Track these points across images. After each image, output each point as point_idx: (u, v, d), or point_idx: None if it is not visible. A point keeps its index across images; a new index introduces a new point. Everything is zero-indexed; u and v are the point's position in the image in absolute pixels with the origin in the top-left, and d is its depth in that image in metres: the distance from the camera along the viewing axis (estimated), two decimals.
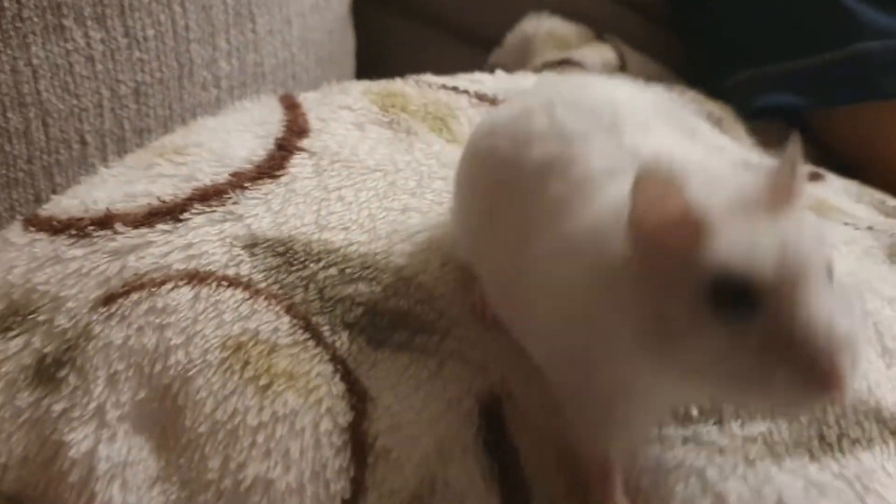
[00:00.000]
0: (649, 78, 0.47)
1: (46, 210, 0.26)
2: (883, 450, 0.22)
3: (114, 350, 0.22)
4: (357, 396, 0.22)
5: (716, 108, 0.42)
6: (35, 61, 0.30)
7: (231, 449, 0.21)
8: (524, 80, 0.37)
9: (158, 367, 0.22)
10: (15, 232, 0.25)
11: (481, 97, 0.33)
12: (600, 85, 0.23)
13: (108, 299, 0.23)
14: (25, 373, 0.22)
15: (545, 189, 0.19)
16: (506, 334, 0.22)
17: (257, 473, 0.20)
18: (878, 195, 0.38)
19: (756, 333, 0.16)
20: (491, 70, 0.41)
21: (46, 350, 0.22)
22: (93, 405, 0.21)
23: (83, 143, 0.32)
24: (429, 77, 0.34)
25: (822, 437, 0.22)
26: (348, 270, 0.24)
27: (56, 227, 0.25)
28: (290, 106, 0.31)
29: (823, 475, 0.21)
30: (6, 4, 0.30)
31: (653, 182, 0.16)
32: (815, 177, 0.36)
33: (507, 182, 0.21)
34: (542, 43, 0.47)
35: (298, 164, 0.27)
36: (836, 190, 0.35)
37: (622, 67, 0.47)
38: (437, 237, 0.25)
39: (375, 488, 0.20)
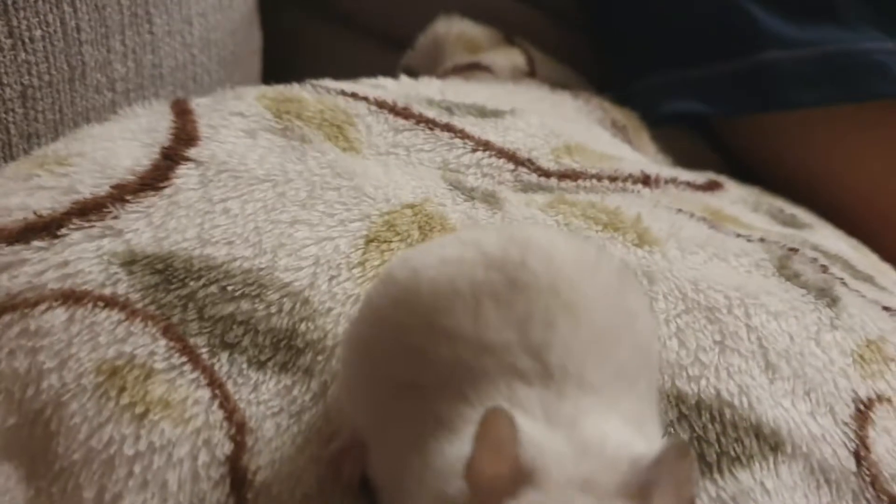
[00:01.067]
0: (557, 83, 0.47)
1: None
2: (762, 466, 0.22)
3: None
4: (236, 427, 0.21)
5: (621, 115, 0.42)
6: None
7: (106, 479, 0.20)
8: (428, 88, 0.37)
9: (30, 391, 0.21)
10: None
11: (381, 104, 0.32)
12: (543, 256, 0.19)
13: None
14: None
15: (442, 398, 0.18)
16: None
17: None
18: (777, 203, 0.38)
19: None
20: (403, 72, 0.40)
21: None
22: None
23: None
24: (328, 82, 0.34)
25: (701, 457, 0.22)
26: (230, 287, 0.24)
27: None
28: (181, 112, 0.30)
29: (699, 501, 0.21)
30: None
31: (493, 434, 0.15)
32: (713, 185, 0.36)
33: (415, 362, 0.18)
34: (453, 46, 0.47)
35: (183, 175, 0.26)
36: (733, 199, 0.36)
37: (531, 73, 0.47)
38: (327, 252, 0.25)
39: None
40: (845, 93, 0.42)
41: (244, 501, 0.20)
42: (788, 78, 0.43)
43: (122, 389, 0.21)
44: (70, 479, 0.20)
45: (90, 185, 0.25)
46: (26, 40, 0.32)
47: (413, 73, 0.42)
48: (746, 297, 0.26)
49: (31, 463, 0.21)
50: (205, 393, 0.21)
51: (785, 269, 0.29)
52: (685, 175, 0.35)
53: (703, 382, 0.24)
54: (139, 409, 0.21)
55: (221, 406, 0.21)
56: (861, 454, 0.23)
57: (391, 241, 0.26)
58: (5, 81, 0.31)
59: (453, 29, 0.48)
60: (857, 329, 0.27)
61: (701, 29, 0.46)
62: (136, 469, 0.20)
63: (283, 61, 0.48)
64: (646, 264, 0.27)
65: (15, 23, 0.31)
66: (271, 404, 0.22)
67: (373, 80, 0.36)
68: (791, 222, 0.37)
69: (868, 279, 0.32)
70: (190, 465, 0.20)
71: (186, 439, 0.21)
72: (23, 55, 0.32)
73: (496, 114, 0.34)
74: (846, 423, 0.24)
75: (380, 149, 0.30)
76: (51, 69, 0.33)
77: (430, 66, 0.48)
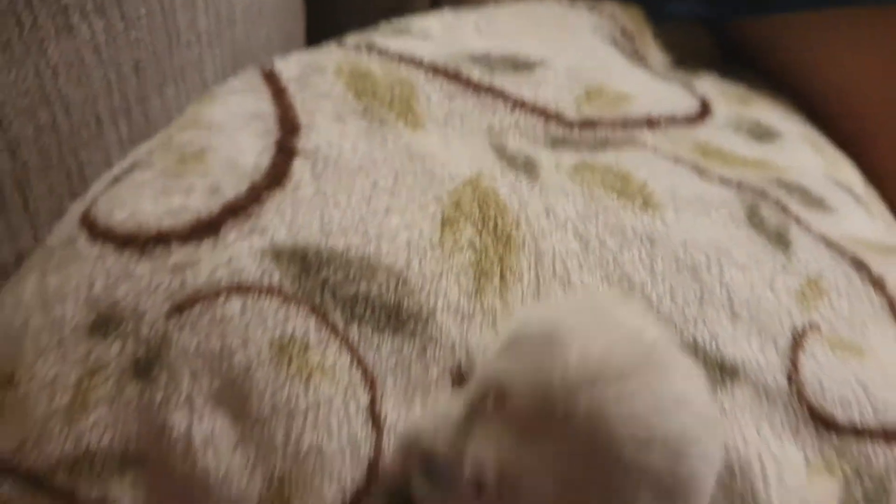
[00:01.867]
0: None
1: (101, 219, 0.33)
2: (722, 391, 0.32)
3: (190, 353, 0.30)
4: (370, 383, 0.31)
5: (630, 22, 0.49)
6: (52, 61, 0.35)
7: (289, 425, 0.30)
8: (466, 29, 0.43)
9: (225, 365, 0.30)
10: (82, 244, 0.32)
11: (435, 70, 0.39)
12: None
13: (178, 309, 0.31)
14: (127, 371, 0.30)
15: None
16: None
17: (311, 442, 0.30)
18: (755, 113, 0.46)
19: None
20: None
21: (138, 354, 0.30)
22: (183, 395, 0.30)
23: (99, 122, 0.37)
24: (381, 38, 0.40)
25: None
26: (350, 273, 0.32)
27: (117, 241, 0.32)
28: (277, 92, 0.36)
29: None
30: (23, 19, 0.34)
31: None
32: (704, 112, 0.44)
33: None
34: None
35: (298, 171, 0.34)
36: (719, 125, 0.43)
37: None
38: (415, 237, 0.33)
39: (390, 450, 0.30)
40: None
41: (381, 436, 0.30)
42: None
43: (290, 360, 0.30)
44: (264, 426, 0.30)
45: (232, 187, 0.33)
46: (134, 20, 0.38)
47: None
48: (721, 254, 0.35)
49: (236, 413, 0.30)
50: (346, 358, 0.31)
51: (754, 216, 0.37)
52: (681, 106, 0.43)
53: (686, 332, 0.33)
54: (304, 374, 0.30)
55: (358, 367, 0.31)
56: (792, 375, 0.33)
57: (459, 221, 0.34)
58: (122, 60, 0.38)
59: None
60: (801, 271, 0.36)
61: None
62: (310, 417, 0.30)
63: None
64: (649, 230, 0.35)
65: (125, 8, 0.37)
66: (389, 362, 0.31)
67: (419, 24, 0.42)
68: (766, 136, 0.44)
69: (819, 203, 0.41)
70: (344, 412, 0.30)
71: (339, 394, 0.30)
72: (133, 34, 0.38)
73: (528, 66, 0.41)
74: (785, 353, 0.34)
75: (438, 120, 0.37)
76: (154, 41, 0.39)
77: None
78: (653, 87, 0.44)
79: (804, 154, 0.45)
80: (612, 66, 0.44)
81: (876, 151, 0.49)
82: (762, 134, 0.44)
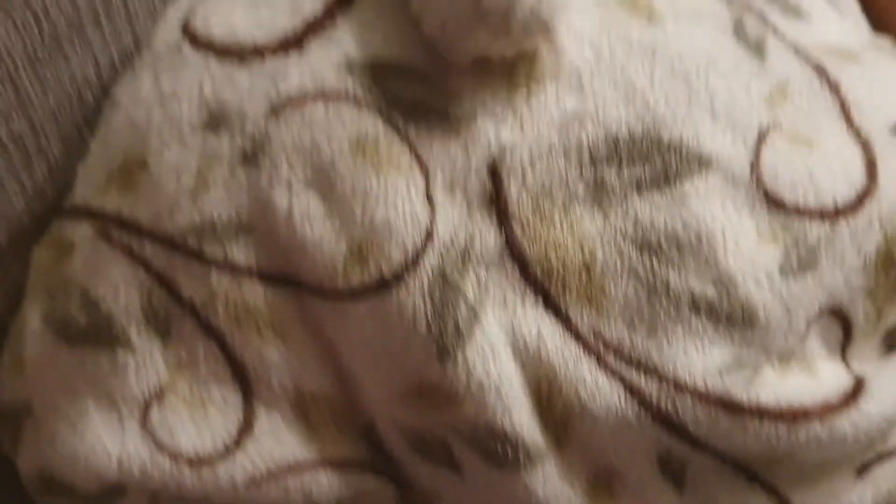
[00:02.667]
0: None
1: (201, 30, 0.39)
2: (698, 177, 0.40)
3: (286, 147, 0.38)
4: (424, 171, 0.39)
5: None
6: None
7: (365, 203, 0.38)
8: None
9: (315, 156, 0.38)
10: (187, 51, 0.39)
11: None
12: None
13: (274, 111, 0.38)
14: (237, 160, 0.39)
15: None
16: None
17: (382, 215, 0.38)
18: None
19: None
20: None
21: (245, 147, 0.38)
22: (283, 179, 0.38)
23: None
24: None
25: (666, 176, 0.40)
26: (409, 81, 0.39)
27: (218, 50, 0.39)
28: None
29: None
30: None
31: None
32: None
33: None
34: None
35: None
36: None
37: None
38: None
39: None
40: None
41: (434, 211, 0.39)
42: None
43: (364, 153, 0.38)
44: (346, 204, 0.38)
45: (310, 4, 0.39)
46: None
47: None
48: (709, 63, 0.42)
49: (328, 192, 0.37)
50: (406, 152, 0.39)
51: (739, 28, 0.44)
52: None
53: (674, 130, 0.40)
54: (375, 164, 0.38)
55: (415, 159, 0.39)
56: (753, 164, 0.42)
57: None
58: None
59: None
60: (773, 76, 0.43)
61: None
62: (380, 197, 0.37)
63: None
64: (651, 41, 0.42)
65: None
66: (439, 155, 0.39)
67: None
68: None
69: (796, 12, 0.47)
70: (406, 193, 0.38)
71: (402, 179, 0.38)
72: None
73: None
74: (751, 147, 0.42)
75: None
76: None
77: None
78: None
79: None
80: None
81: None
82: None
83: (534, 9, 0.37)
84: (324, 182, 0.38)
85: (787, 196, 0.42)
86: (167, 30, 0.40)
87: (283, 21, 0.39)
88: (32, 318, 0.41)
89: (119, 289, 0.39)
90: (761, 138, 0.42)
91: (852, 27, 0.50)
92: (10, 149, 0.39)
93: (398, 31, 0.40)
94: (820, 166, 0.43)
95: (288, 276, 0.39)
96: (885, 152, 0.44)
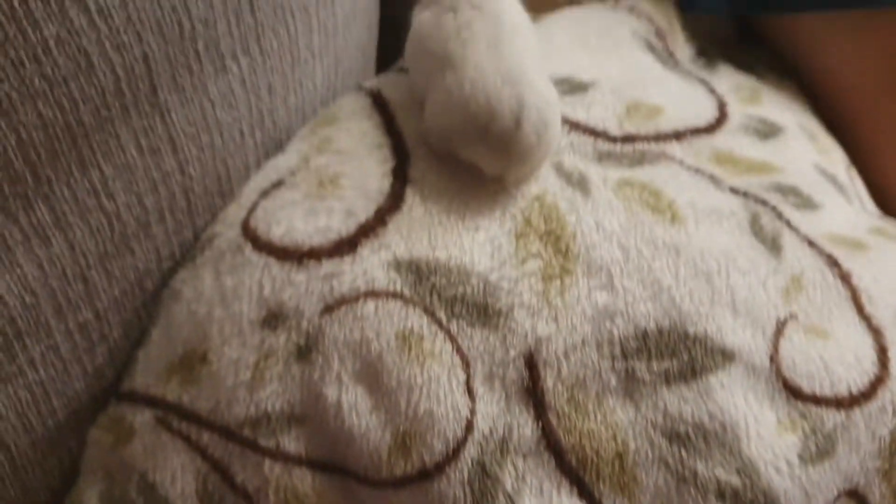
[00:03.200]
0: None
1: (262, 232, 0.43)
2: (722, 371, 0.44)
3: (338, 343, 0.41)
4: (466, 364, 0.42)
5: (663, 20, 0.57)
6: (212, 95, 0.44)
7: (410, 395, 0.41)
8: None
9: (364, 351, 0.41)
10: (249, 252, 0.42)
11: None
12: None
13: (328, 310, 0.41)
14: (292, 355, 0.41)
15: None
16: None
17: (425, 408, 0.41)
18: (762, 111, 0.55)
19: None
20: None
21: (300, 343, 0.41)
22: (334, 374, 0.41)
23: (241, 135, 0.46)
24: None
25: (692, 369, 0.44)
26: (451, 278, 0.42)
27: (278, 254, 0.42)
28: (388, 120, 0.46)
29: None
30: (193, 66, 0.43)
31: None
32: (721, 118, 0.53)
33: None
34: None
35: (410, 195, 0.43)
36: (733, 128, 0.53)
37: None
38: (496, 249, 0.44)
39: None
40: (842, 1, 0.57)
41: (475, 403, 0.42)
42: None
43: (410, 348, 0.41)
44: (392, 396, 0.41)
45: (363, 210, 0.43)
46: (269, 54, 0.46)
47: None
48: (729, 261, 0.45)
49: (375, 386, 0.41)
50: (449, 346, 0.42)
51: (755, 224, 0.48)
52: (703, 116, 0.52)
53: (699, 325, 0.44)
54: (420, 359, 0.41)
55: (457, 353, 0.42)
56: (773, 356, 0.45)
57: (529, 235, 0.44)
58: (260, 84, 0.46)
59: None
60: (788, 270, 0.47)
61: None
62: (424, 390, 0.40)
63: None
64: (675, 241, 0.45)
65: (263, 43, 0.46)
66: (479, 348, 0.42)
67: None
68: (771, 134, 0.54)
69: (808, 204, 0.51)
70: (448, 386, 0.41)
71: (444, 373, 0.41)
72: (269, 62, 0.46)
73: (582, 88, 0.50)
74: (770, 339, 0.45)
75: None
76: (283, 66, 0.47)
77: None
78: (680, 97, 0.53)
79: (800, 146, 0.55)
80: (647, 78, 0.53)
81: (863, 137, 0.59)
82: (767, 132, 0.54)
83: (538, 135, 0.42)
84: (371, 375, 0.41)
85: (805, 385, 0.44)
86: (228, 229, 0.44)
87: (337, 225, 0.42)
88: (90, 497, 0.43)
89: (176, 474, 0.41)
90: (779, 330, 0.45)
91: (860, 213, 0.54)
92: (75, 337, 0.42)
93: (443, 231, 0.43)
94: (834, 356, 0.45)
95: (335, 463, 0.41)
96: None
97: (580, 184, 0.47)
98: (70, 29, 0.36)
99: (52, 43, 0.36)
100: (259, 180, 0.46)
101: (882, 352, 0.46)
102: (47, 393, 0.42)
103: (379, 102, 0.47)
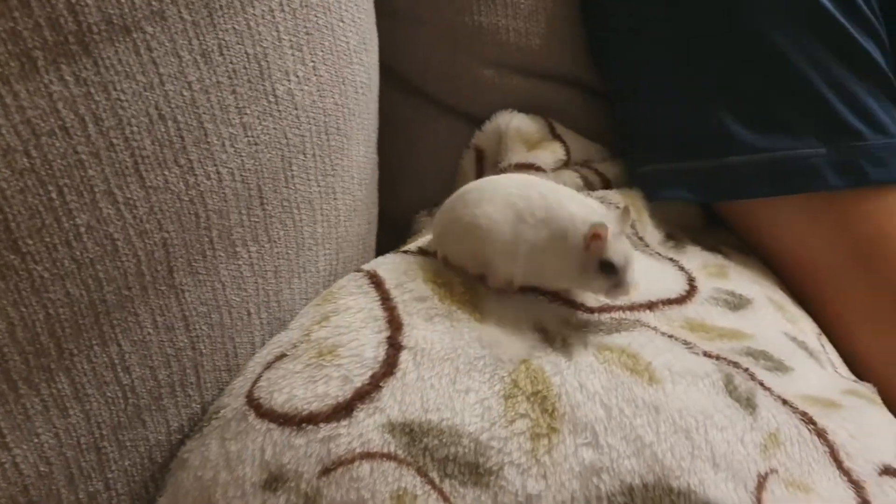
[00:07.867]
0: (589, 160, 0.66)
1: (264, 400, 0.46)
2: None
3: (336, 503, 0.43)
4: None
5: (634, 210, 0.62)
6: (223, 279, 0.48)
7: None
8: None
9: None
10: (252, 419, 0.45)
11: None
12: None
13: (326, 471, 0.44)
14: None
15: None
16: None
17: None
18: (730, 285, 0.60)
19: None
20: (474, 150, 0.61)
21: None
22: None
23: (248, 314, 0.51)
24: None
25: None
26: (443, 439, 0.45)
27: (279, 420, 0.45)
28: (384, 297, 0.50)
29: None
30: (206, 251, 0.47)
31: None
32: (691, 291, 0.57)
33: None
34: (512, 140, 0.66)
35: (404, 361, 0.47)
36: (702, 300, 0.57)
37: (567, 161, 0.66)
38: (486, 409, 0.46)
39: None
40: (787, 188, 0.63)
41: None
42: (747, 177, 0.63)
43: None
44: None
45: (358, 376, 0.46)
46: (276, 241, 0.51)
47: (481, 152, 0.61)
48: (706, 418, 0.48)
49: None
50: (441, 502, 0.44)
51: (729, 384, 0.51)
52: (674, 289, 0.56)
53: (682, 480, 0.46)
54: None
55: None
56: None
57: (517, 396, 0.47)
58: (266, 268, 0.51)
59: (512, 124, 0.67)
60: (764, 427, 0.49)
61: (688, 133, 0.65)
62: None
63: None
64: (654, 400, 0.48)
65: (271, 233, 0.51)
66: (467, 498, 0.44)
67: None
68: (739, 305, 0.58)
69: (780, 367, 0.54)
70: None
71: None
72: (276, 249, 0.51)
73: None
74: (752, 492, 0.47)
75: (495, 313, 0.51)
76: (287, 251, 0.52)
77: (495, 149, 0.67)
78: (651, 274, 0.57)
79: (769, 316, 0.58)
80: None
81: (829, 308, 0.63)
82: (736, 304, 0.58)
83: None
84: None
85: None
86: (234, 399, 0.47)
87: (335, 391, 0.46)
88: None
89: None
90: (761, 484, 0.47)
91: (834, 376, 0.57)
92: None
93: (435, 394, 0.46)
94: None
95: None
96: (878, 492, 0.48)
97: (563, 348, 0.50)
98: (99, 217, 0.41)
99: (82, 230, 0.41)
100: (263, 354, 0.49)
101: None
102: None
103: (375, 281, 0.51)
